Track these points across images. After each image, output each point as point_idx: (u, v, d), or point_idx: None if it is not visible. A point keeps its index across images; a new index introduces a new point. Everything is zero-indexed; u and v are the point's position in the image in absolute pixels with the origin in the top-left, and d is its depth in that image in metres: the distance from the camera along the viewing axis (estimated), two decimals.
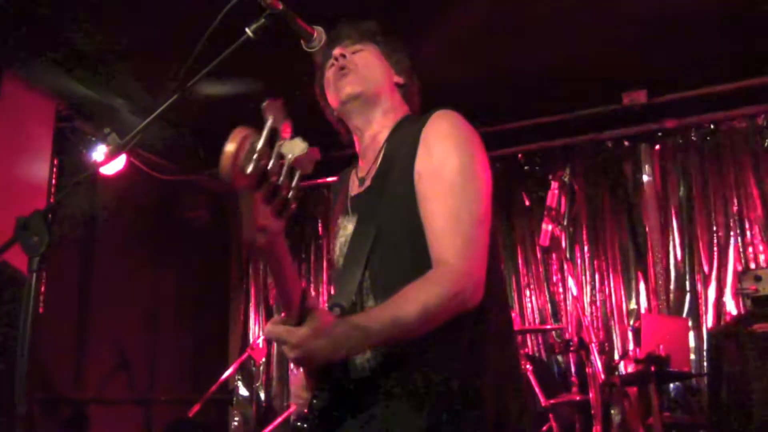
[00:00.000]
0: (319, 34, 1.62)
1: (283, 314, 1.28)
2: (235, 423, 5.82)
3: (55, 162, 4.38)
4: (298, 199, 1.12)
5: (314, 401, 1.44)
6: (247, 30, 1.54)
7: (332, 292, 1.61)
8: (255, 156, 1.02)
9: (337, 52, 1.72)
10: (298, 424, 1.44)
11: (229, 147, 1.01)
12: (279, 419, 4.27)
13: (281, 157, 1.08)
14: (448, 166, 1.48)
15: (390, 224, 1.53)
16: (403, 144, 1.60)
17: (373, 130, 1.72)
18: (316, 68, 1.83)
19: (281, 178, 1.06)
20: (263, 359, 5.36)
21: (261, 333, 5.74)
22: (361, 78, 1.70)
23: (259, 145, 1.03)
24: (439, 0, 3.62)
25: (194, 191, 5.68)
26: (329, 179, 5.72)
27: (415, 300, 1.33)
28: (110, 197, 4.55)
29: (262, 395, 5.79)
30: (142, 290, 5.15)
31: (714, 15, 3.85)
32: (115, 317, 4.79)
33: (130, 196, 4.79)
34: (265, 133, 1.06)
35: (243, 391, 5.85)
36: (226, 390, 5.54)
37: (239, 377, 5.80)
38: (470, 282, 1.39)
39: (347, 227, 1.65)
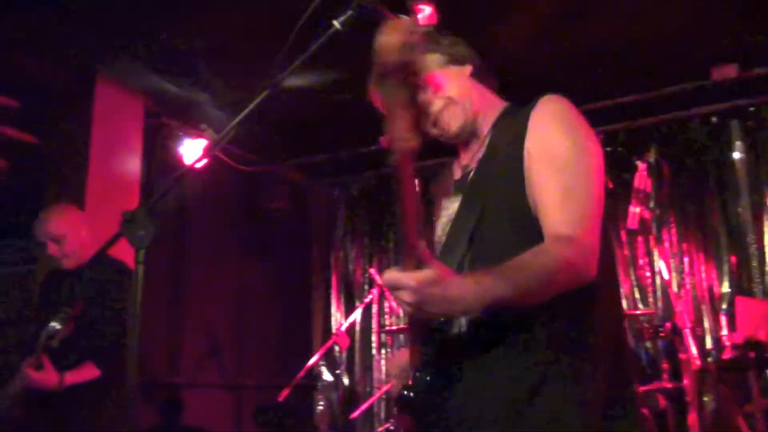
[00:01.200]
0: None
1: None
2: (320, 407, 5.94)
3: (146, 157, 4.58)
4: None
5: (419, 373, 1.46)
6: (334, 22, 1.55)
7: None
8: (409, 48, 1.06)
9: (421, 99, 1.67)
10: (405, 393, 1.46)
11: (385, 37, 1.06)
12: (366, 404, 4.34)
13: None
14: (560, 144, 1.48)
15: (495, 204, 1.54)
16: (508, 130, 1.61)
17: (480, 131, 1.72)
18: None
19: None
20: (347, 346, 5.45)
21: (343, 320, 5.83)
22: (458, 104, 1.68)
23: (411, 38, 1.07)
24: None
25: (276, 182, 5.80)
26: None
27: (533, 266, 1.34)
28: (197, 189, 4.71)
29: (346, 381, 5.90)
30: (229, 279, 5.32)
31: None
32: (206, 305, 4.98)
33: (215, 187, 4.93)
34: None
35: (327, 377, 5.96)
36: (310, 376, 5.66)
37: (323, 363, 5.92)
38: (586, 254, 1.38)
39: (449, 208, 1.68)
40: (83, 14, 3.65)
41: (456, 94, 1.68)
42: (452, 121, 1.67)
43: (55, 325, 2.80)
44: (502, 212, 1.52)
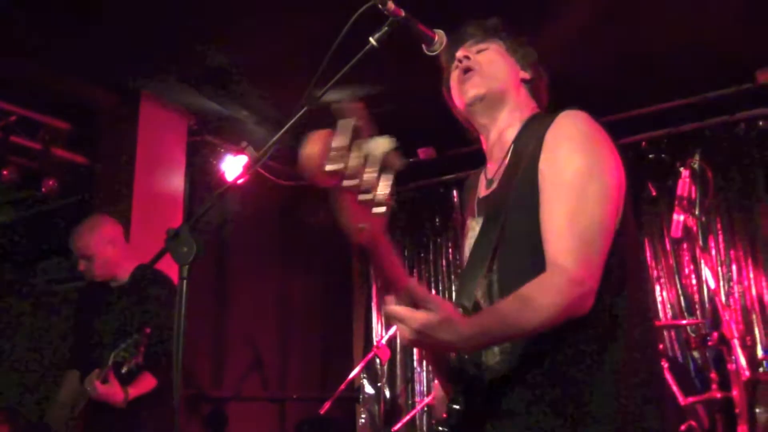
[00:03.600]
0: (440, 37, 1.64)
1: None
2: (362, 420, 5.95)
3: (189, 174, 4.68)
4: (393, 196, 1.12)
5: (452, 406, 1.46)
6: (371, 39, 1.57)
7: (456, 293, 1.63)
8: (333, 154, 1.04)
9: (460, 53, 1.73)
10: (440, 428, 1.46)
11: (307, 148, 1.05)
12: (407, 417, 4.33)
13: (366, 156, 1.09)
14: (570, 166, 1.45)
15: (513, 225, 1.52)
16: (529, 144, 1.58)
17: (499, 128, 1.71)
18: (442, 70, 1.84)
19: (367, 176, 1.07)
20: (388, 358, 5.45)
21: (384, 333, 5.84)
22: (485, 78, 1.69)
23: (336, 144, 1.05)
24: None
25: (316, 196, 5.83)
26: (445, 177, 5.75)
27: (534, 305, 1.33)
28: (238, 204, 4.79)
29: (387, 393, 5.89)
30: (271, 293, 5.38)
31: None
32: (249, 319, 5.05)
33: (255, 202, 5.01)
34: (339, 132, 1.07)
35: (368, 389, 5.97)
36: (352, 388, 5.68)
37: (364, 376, 5.93)
38: (580, 291, 1.35)
39: (475, 228, 1.66)
40: (128, 35, 3.77)
41: (492, 70, 1.70)
42: (472, 88, 1.69)
43: (126, 353, 2.86)
44: (520, 234, 1.49)
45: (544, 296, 1.33)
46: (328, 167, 1.05)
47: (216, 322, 4.89)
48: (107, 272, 3.21)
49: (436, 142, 5.12)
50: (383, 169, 1.09)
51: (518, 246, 1.49)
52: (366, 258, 1.25)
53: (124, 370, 2.84)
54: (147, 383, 2.98)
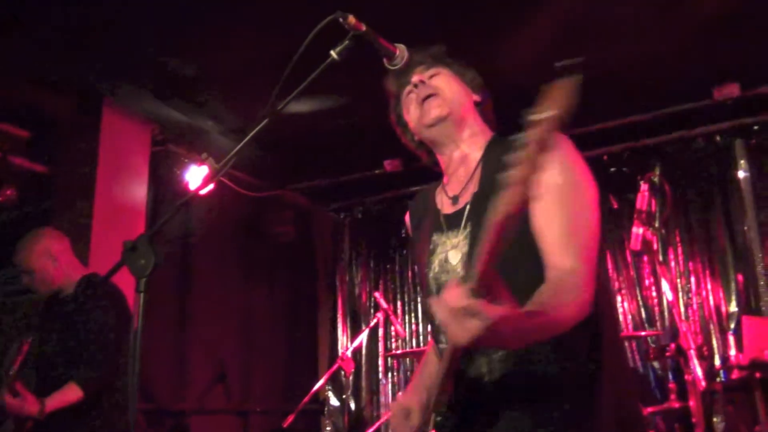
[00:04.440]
0: (401, 51, 1.65)
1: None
2: None
3: (152, 184, 4.62)
4: None
5: (438, 418, 1.49)
6: (332, 52, 1.59)
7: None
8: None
9: (416, 78, 1.76)
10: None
11: None
12: (372, 428, 4.32)
13: None
14: (558, 179, 1.51)
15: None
16: (504, 162, 1.63)
17: (462, 151, 1.76)
18: (390, 97, 1.87)
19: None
20: (353, 370, 5.43)
21: (349, 344, 5.82)
22: (446, 100, 1.73)
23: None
24: (517, 6, 3.59)
25: (280, 207, 5.84)
26: (411, 189, 5.77)
27: (553, 305, 1.36)
28: (202, 215, 4.75)
29: (352, 405, 5.87)
30: (236, 304, 5.34)
31: None
32: (212, 331, 4.99)
33: (220, 213, 4.98)
34: None
35: (333, 401, 5.95)
36: (317, 400, 5.65)
37: (329, 388, 5.90)
38: (591, 288, 1.42)
39: (446, 243, 1.69)
40: (89, 42, 3.72)
41: (451, 93, 1.75)
42: (434, 109, 1.73)
43: (11, 355, 2.83)
44: (515, 247, 1.50)
45: (573, 294, 1.38)
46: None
47: (178, 334, 4.82)
48: (47, 286, 3.15)
49: (403, 154, 5.15)
50: None
51: (516, 259, 1.51)
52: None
53: (11, 373, 2.79)
54: (70, 395, 2.86)
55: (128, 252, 1.62)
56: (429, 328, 1.79)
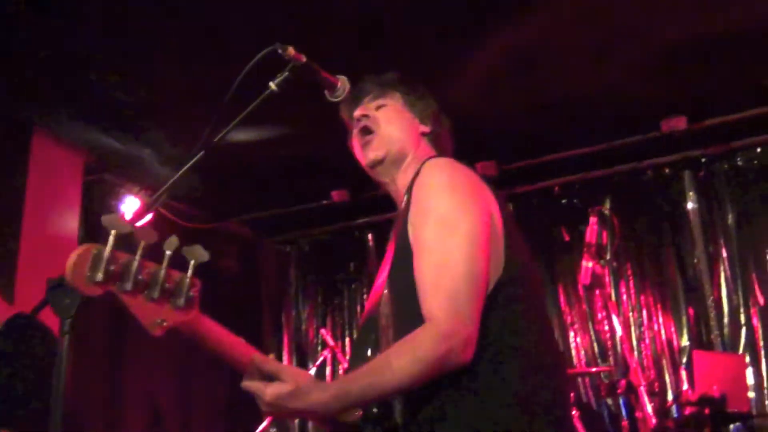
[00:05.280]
0: (342, 83, 1.68)
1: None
2: None
3: (85, 215, 4.52)
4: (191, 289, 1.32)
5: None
6: (271, 84, 1.60)
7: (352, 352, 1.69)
8: (104, 265, 1.18)
9: (358, 112, 1.79)
10: None
11: (69, 260, 1.15)
12: None
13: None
14: (428, 217, 1.50)
15: (399, 282, 1.57)
16: (408, 198, 1.65)
17: (398, 185, 1.78)
18: (346, 123, 1.90)
19: (146, 275, 1.21)
20: None
21: None
22: (383, 141, 1.75)
23: (106, 253, 1.19)
24: (467, 35, 3.67)
25: (222, 239, 5.77)
26: (359, 221, 5.78)
27: (394, 365, 1.36)
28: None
29: None
30: (173, 345, 5.21)
31: (752, 35, 3.83)
32: (148, 375, 4.86)
33: (158, 245, 4.89)
34: (111, 241, 1.21)
35: None
36: None
37: (274, 429, 5.80)
38: (454, 342, 1.36)
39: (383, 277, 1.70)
40: (19, 66, 3.65)
41: (389, 131, 1.75)
42: (371, 152, 1.75)
43: None
44: (404, 291, 1.52)
45: (402, 356, 1.37)
46: (99, 278, 1.20)
47: (112, 374, 4.68)
48: None
49: (350, 185, 5.17)
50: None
51: (404, 303, 1.53)
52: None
53: None
54: None
55: (53, 290, 1.58)
56: None
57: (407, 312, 1.49)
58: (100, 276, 1.18)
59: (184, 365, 5.26)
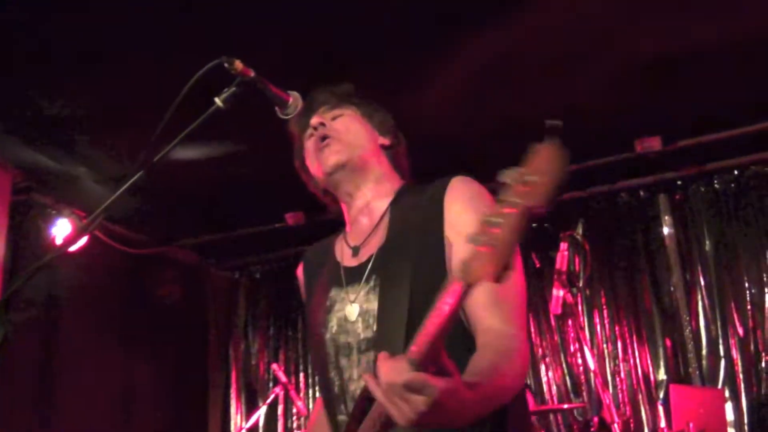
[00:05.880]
0: (294, 99, 1.69)
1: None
2: None
3: (12, 238, 4.44)
4: None
5: None
6: (216, 99, 1.61)
7: (349, 375, 1.66)
8: None
9: (315, 120, 1.80)
10: None
11: None
12: None
13: None
14: None
15: (425, 301, 1.55)
16: (414, 213, 1.67)
17: (366, 198, 1.79)
18: (293, 139, 1.90)
19: None
20: None
21: (244, 423, 5.68)
22: (344, 145, 1.77)
23: None
24: (435, 49, 3.72)
25: (165, 265, 5.71)
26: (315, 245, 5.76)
27: (494, 372, 1.37)
28: (72, 275, 4.58)
29: None
30: (112, 382, 5.13)
31: (731, 51, 3.94)
32: (84, 408, 4.76)
33: (94, 272, 4.82)
34: None
35: None
36: None
37: None
38: (527, 354, 1.49)
39: (344, 300, 1.69)
40: None
41: (350, 137, 1.78)
42: (333, 155, 1.76)
43: None
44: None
45: (510, 359, 1.40)
46: None
47: (42, 411, 4.57)
48: None
49: (306, 206, 5.16)
50: None
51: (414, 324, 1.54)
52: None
53: None
54: None
55: None
56: (321, 395, 1.77)
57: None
58: None
59: (124, 399, 5.19)
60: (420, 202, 1.67)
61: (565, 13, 3.54)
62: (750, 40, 3.82)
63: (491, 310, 1.48)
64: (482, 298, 1.49)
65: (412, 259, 1.60)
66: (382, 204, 1.77)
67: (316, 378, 5.15)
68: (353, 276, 1.71)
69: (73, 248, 1.76)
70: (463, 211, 1.60)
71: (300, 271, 1.96)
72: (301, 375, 5.89)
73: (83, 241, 4.06)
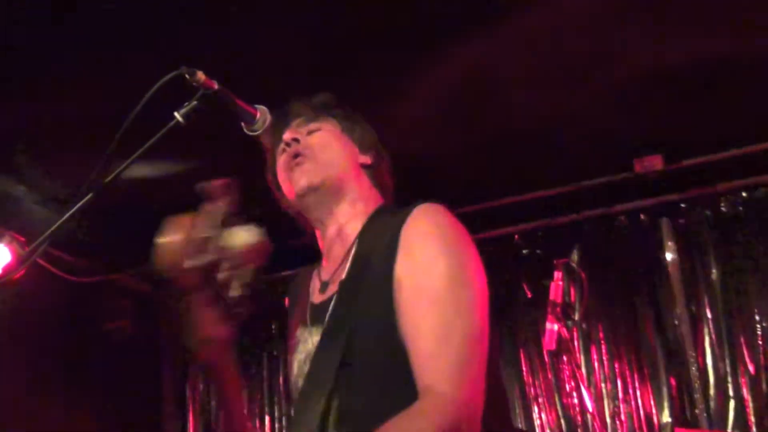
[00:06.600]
0: (262, 114, 1.68)
1: None
2: None
3: None
4: (249, 300, 1.15)
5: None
6: (176, 114, 1.60)
7: (291, 420, 1.65)
8: (196, 249, 1.04)
9: (287, 135, 1.79)
10: None
11: (166, 238, 1.04)
12: None
13: (224, 249, 1.09)
14: (434, 273, 1.51)
15: (363, 342, 1.54)
16: (379, 243, 1.63)
17: (339, 224, 1.78)
18: (266, 152, 1.89)
19: (226, 275, 1.08)
20: None
21: None
22: (318, 165, 1.75)
23: (202, 235, 1.06)
24: (419, 61, 3.73)
25: (115, 294, 5.66)
26: (284, 273, 5.73)
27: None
28: (8, 305, 4.52)
29: None
30: (52, 419, 5.04)
31: (737, 66, 3.99)
32: None
33: (33, 302, 4.75)
34: (204, 220, 1.10)
35: None
36: None
37: None
38: (466, 414, 1.40)
39: (307, 341, 1.68)
40: None
41: (326, 156, 1.76)
42: (304, 176, 1.75)
43: None
44: (372, 352, 1.53)
45: (426, 421, 1.36)
46: (188, 263, 1.06)
47: None
48: None
49: (273, 231, 5.13)
50: (241, 265, 1.10)
51: (370, 366, 1.52)
52: (207, 376, 1.25)
53: None
54: None
55: None
56: None
57: (378, 380, 1.50)
58: (192, 263, 1.07)
59: None
60: (385, 231, 1.64)
61: (560, 26, 3.58)
62: (757, 55, 3.88)
63: (431, 359, 1.44)
64: (425, 339, 1.46)
65: (359, 300, 1.59)
66: (354, 228, 1.76)
67: None
68: (317, 314, 1.71)
69: (13, 274, 1.74)
70: (416, 248, 1.56)
71: (287, 302, 1.95)
72: (267, 419, 5.82)
73: (23, 269, 4.01)
